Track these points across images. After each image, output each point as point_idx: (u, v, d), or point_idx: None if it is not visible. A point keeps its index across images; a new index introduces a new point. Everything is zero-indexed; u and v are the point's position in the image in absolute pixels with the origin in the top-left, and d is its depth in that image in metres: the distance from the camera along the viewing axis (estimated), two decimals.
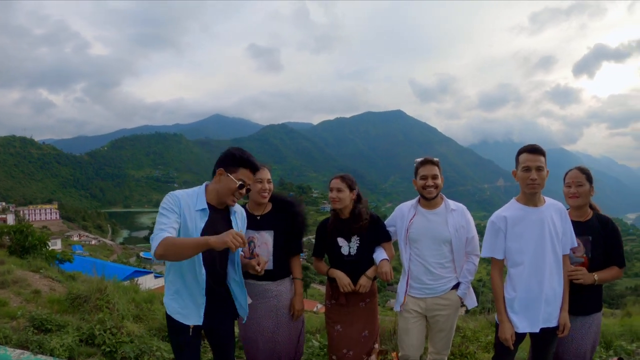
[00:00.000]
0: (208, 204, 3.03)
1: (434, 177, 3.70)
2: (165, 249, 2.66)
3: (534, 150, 3.27)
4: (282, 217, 3.74)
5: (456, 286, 3.80)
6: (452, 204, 3.84)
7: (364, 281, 3.77)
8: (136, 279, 17.00)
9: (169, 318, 3.09)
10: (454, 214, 3.78)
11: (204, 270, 2.97)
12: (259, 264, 3.12)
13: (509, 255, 3.40)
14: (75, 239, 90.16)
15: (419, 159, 3.84)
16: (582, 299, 3.47)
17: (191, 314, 3.02)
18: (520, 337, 3.41)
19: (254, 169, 3.08)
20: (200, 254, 2.90)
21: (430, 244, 3.75)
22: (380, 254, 3.82)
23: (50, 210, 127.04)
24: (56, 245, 48.58)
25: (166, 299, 3.10)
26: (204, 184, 3.11)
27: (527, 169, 3.24)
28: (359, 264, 3.83)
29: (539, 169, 3.22)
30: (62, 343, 4.72)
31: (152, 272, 33.26)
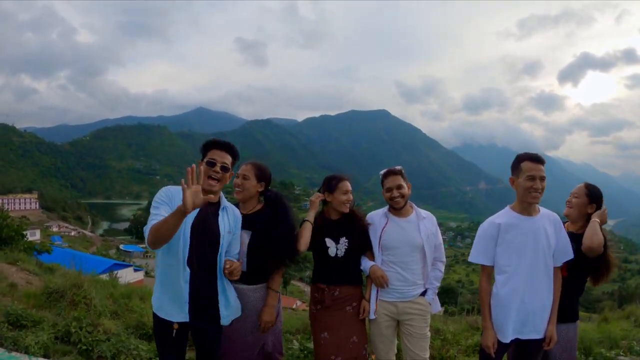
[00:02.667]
0: None
1: (399, 187, 3.79)
2: (153, 234, 2.75)
3: (538, 159, 3.28)
4: (264, 219, 3.57)
5: (424, 293, 3.86)
6: (422, 212, 3.95)
7: (368, 307, 3.86)
8: (115, 272, 16.85)
9: (154, 315, 3.10)
10: (425, 222, 3.87)
11: (188, 269, 3.00)
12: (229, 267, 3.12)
13: (498, 263, 3.40)
14: (55, 229, 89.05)
15: (382, 171, 3.94)
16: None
17: (175, 310, 3.02)
18: (504, 346, 3.40)
19: (216, 145, 3.16)
20: (188, 248, 2.98)
21: (405, 250, 3.80)
22: (367, 262, 3.87)
23: (30, 199, 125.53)
24: (35, 235, 48.12)
25: (153, 296, 3.13)
26: None
27: (532, 178, 3.23)
28: (345, 267, 3.82)
29: (543, 178, 3.24)
30: (37, 340, 4.62)
31: (131, 265, 33.14)
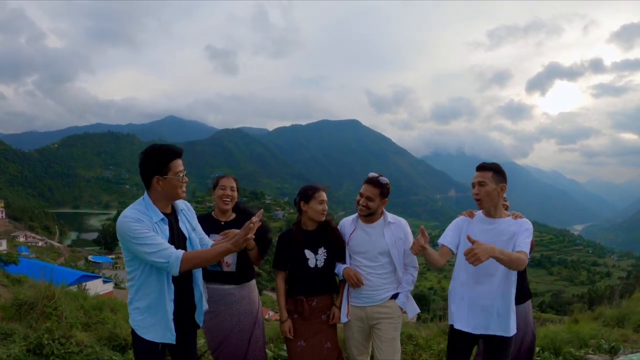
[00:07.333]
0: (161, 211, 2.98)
1: (368, 198, 3.82)
2: (191, 264, 2.83)
3: (479, 167, 3.51)
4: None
5: (395, 296, 3.93)
6: (391, 217, 3.99)
7: (338, 313, 3.95)
8: (84, 283, 16.62)
9: (140, 338, 2.98)
10: (392, 227, 3.92)
11: (172, 286, 2.97)
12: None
13: (458, 259, 3.59)
14: (22, 239, 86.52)
15: (371, 174, 3.94)
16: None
17: (162, 331, 2.97)
18: (471, 341, 3.56)
19: (178, 154, 2.98)
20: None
21: (369, 256, 3.89)
22: (339, 265, 3.97)
23: None
24: (1, 246, 47.13)
25: (134, 318, 3.00)
26: (143, 197, 2.99)
27: (473, 185, 3.50)
28: (325, 277, 3.92)
29: (481, 184, 3.42)
30: (9, 353, 4.57)
31: (100, 277, 32.60)
